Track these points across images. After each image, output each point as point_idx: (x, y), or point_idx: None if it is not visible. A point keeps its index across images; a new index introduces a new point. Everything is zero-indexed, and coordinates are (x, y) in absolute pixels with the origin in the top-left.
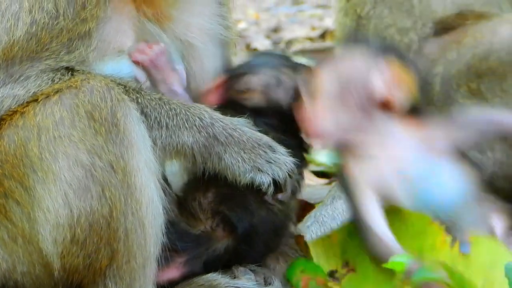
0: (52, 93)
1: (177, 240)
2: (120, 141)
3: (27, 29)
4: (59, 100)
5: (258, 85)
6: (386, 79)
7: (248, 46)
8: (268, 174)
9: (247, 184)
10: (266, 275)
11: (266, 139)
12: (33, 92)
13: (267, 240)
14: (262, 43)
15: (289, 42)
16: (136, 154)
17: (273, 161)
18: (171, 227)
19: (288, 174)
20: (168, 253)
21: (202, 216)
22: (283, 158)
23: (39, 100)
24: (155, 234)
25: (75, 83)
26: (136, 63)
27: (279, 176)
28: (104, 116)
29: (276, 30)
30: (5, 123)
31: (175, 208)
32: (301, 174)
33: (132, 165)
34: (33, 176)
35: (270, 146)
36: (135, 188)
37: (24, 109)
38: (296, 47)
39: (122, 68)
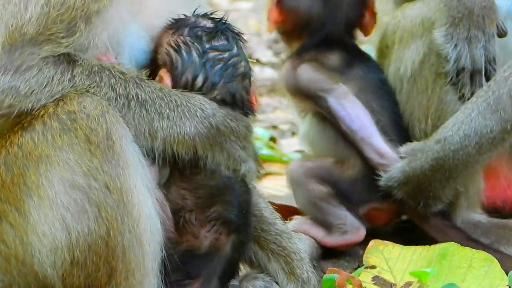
0: (50, 121)
1: (188, 265)
2: (115, 162)
3: (39, 10)
4: (58, 126)
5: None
6: None
7: (249, 57)
8: (254, 160)
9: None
10: (266, 281)
11: (251, 126)
12: (36, 93)
13: (250, 212)
14: (264, 54)
15: None
16: (132, 173)
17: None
18: (178, 255)
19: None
20: (183, 282)
21: (203, 231)
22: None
23: (36, 127)
24: (153, 250)
25: (72, 108)
26: None
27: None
28: (99, 139)
29: (277, 41)
30: (3, 150)
31: (174, 231)
32: None
33: (129, 185)
34: (28, 201)
35: (251, 129)
36: (132, 206)
37: (22, 139)
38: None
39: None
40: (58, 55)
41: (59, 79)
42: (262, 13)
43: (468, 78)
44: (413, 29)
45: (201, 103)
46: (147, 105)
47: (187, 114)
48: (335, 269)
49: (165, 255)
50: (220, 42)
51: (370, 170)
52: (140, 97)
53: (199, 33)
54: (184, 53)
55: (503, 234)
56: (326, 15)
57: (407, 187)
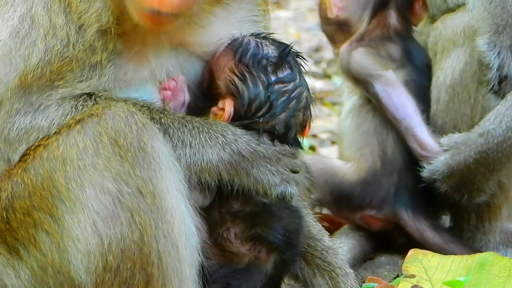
0: (74, 123)
1: (229, 280)
2: (147, 165)
3: (41, 56)
4: (81, 129)
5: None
6: None
7: None
8: (294, 184)
9: (273, 194)
10: None
11: (287, 149)
12: (58, 123)
13: (299, 234)
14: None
15: (330, 62)
16: (165, 177)
17: (295, 169)
18: (219, 269)
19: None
20: None
21: (243, 249)
22: (301, 163)
23: (61, 131)
24: (190, 255)
25: (97, 111)
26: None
27: (302, 182)
28: (129, 141)
29: (317, 49)
30: (30, 156)
31: (215, 250)
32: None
33: (161, 188)
34: (61, 206)
35: (292, 153)
36: (165, 210)
37: (47, 141)
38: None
39: (143, 97)
40: (77, 95)
41: (83, 105)
42: (301, 22)
43: (511, 86)
44: (454, 38)
45: (223, 129)
46: (170, 131)
47: (209, 141)
48: (375, 278)
49: (204, 262)
50: (284, 73)
51: (373, 177)
52: (163, 123)
53: (264, 62)
54: (250, 84)
55: None
56: None
57: (451, 180)
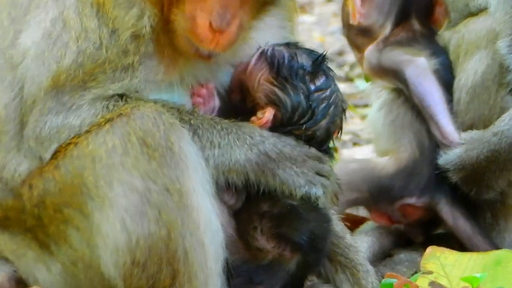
0: (104, 122)
1: (252, 275)
2: (175, 164)
3: (74, 58)
4: (110, 128)
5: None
6: None
7: None
8: (320, 186)
9: (298, 195)
10: None
11: (314, 151)
12: (89, 122)
13: (326, 238)
14: None
15: (353, 65)
16: (191, 176)
17: (322, 173)
18: (245, 265)
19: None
20: (246, 286)
21: (270, 247)
22: (328, 167)
23: (91, 130)
24: (215, 252)
25: (125, 111)
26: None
27: (329, 185)
28: (157, 141)
29: (340, 53)
30: (60, 153)
31: (240, 245)
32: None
33: (188, 187)
34: (90, 203)
35: (318, 157)
36: (191, 209)
37: (78, 139)
38: (360, 70)
39: (173, 99)
40: (109, 95)
41: (114, 105)
42: (325, 26)
43: None
44: (477, 41)
45: (250, 131)
46: (199, 132)
47: (237, 142)
48: (394, 274)
49: (229, 257)
50: (321, 81)
51: (409, 168)
52: (192, 124)
53: (301, 72)
54: (292, 94)
55: None
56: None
57: (462, 173)
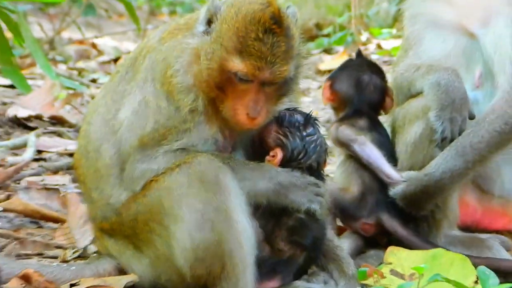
0: (175, 167)
1: (275, 266)
2: (221, 193)
3: (152, 126)
4: (179, 171)
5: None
6: None
7: None
8: (317, 203)
9: (303, 210)
10: (325, 277)
11: (312, 179)
12: (164, 167)
13: (322, 239)
14: None
15: None
16: (233, 200)
17: (318, 194)
18: (269, 260)
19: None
20: (270, 274)
21: (287, 248)
22: (323, 189)
23: (165, 172)
24: (249, 250)
25: (188, 159)
26: None
27: (323, 202)
28: (210, 178)
29: (328, 121)
30: (146, 187)
31: (266, 246)
32: None
33: (231, 207)
34: (167, 219)
35: (315, 183)
36: (234, 222)
37: (157, 178)
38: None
39: (217, 150)
40: (175, 149)
41: (179, 155)
42: (318, 104)
43: (448, 143)
44: (416, 113)
45: (269, 168)
46: (236, 171)
47: (260, 176)
48: (366, 264)
49: (259, 254)
50: (310, 130)
51: (358, 198)
52: (231, 165)
53: (297, 125)
54: (291, 139)
55: (472, 243)
56: (358, 97)
57: (405, 200)
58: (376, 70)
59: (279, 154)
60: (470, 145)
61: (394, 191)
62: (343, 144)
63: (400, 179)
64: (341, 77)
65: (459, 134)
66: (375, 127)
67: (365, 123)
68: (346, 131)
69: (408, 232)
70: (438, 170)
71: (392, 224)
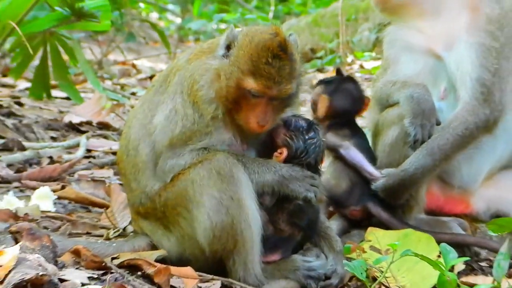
0: (197, 162)
1: (277, 242)
2: (235, 184)
3: (180, 130)
4: (201, 166)
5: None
6: None
7: None
8: (312, 192)
9: (301, 198)
10: (317, 252)
11: (309, 173)
12: (189, 163)
13: (316, 221)
14: None
15: None
16: (244, 189)
17: (314, 185)
18: (272, 237)
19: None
20: (273, 249)
21: (287, 228)
22: (318, 181)
23: (190, 166)
24: (256, 230)
25: (208, 157)
26: None
27: (317, 192)
28: (226, 172)
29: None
30: (175, 179)
31: (270, 227)
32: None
33: (243, 196)
34: (190, 204)
35: (312, 176)
36: (244, 207)
37: (184, 171)
38: None
39: (231, 148)
40: (198, 148)
41: (202, 153)
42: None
43: (419, 144)
44: (393, 120)
45: (273, 164)
46: (247, 166)
47: (266, 170)
48: (351, 241)
49: (264, 233)
50: (312, 134)
51: (348, 190)
52: (243, 161)
53: (301, 129)
54: (296, 141)
55: (436, 224)
56: (347, 108)
57: (385, 192)
58: (356, 83)
59: (284, 152)
60: (437, 147)
61: (375, 185)
62: (331, 149)
63: (379, 176)
64: (337, 94)
65: (429, 137)
66: (356, 133)
67: (347, 131)
68: (332, 138)
69: (388, 215)
70: (412, 166)
71: (377, 209)
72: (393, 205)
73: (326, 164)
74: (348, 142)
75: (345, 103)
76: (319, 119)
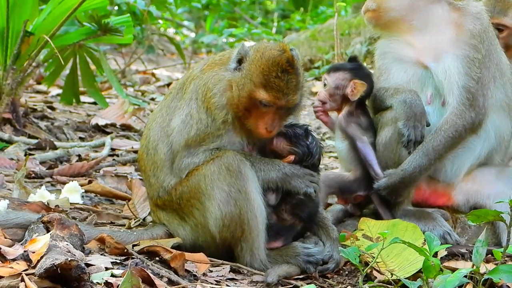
0: (210, 160)
1: (280, 230)
2: (242, 178)
3: (195, 132)
4: (213, 163)
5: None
6: None
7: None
8: (312, 188)
9: (302, 193)
10: (315, 239)
11: (309, 171)
12: (203, 161)
13: (316, 213)
14: None
15: (324, 134)
16: (251, 184)
17: (313, 181)
18: (276, 226)
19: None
20: (276, 236)
21: (289, 218)
22: (317, 178)
23: (203, 163)
24: (261, 219)
25: (219, 155)
26: None
27: (316, 188)
28: (234, 168)
29: (318, 127)
30: (189, 174)
31: (274, 217)
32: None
33: (249, 189)
34: (203, 197)
35: (311, 173)
36: (251, 199)
37: (197, 168)
38: (328, 134)
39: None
40: (211, 148)
41: (212, 153)
42: (311, 116)
43: (412, 144)
44: (387, 122)
45: (277, 163)
46: (254, 164)
47: (271, 168)
48: (345, 230)
49: (268, 223)
50: (310, 139)
51: (360, 179)
52: (250, 160)
53: (301, 137)
54: (300, 147)
55: (422, 215)
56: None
57: (387, 190)
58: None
59: (292, 158)
60: (432, 148)
61: (378, 185)
62: (350, 137)
63: (382, 176)
64: (368, 79)
65: (420, 138)
66: (370, 130)
67: (365, 121)
68: (352, 126)
69: (385, 209)
70: (411, 166)
71: (377, 199)
72: (391, 201)
73: (344, 151)
74: (366, 138)
75: (372, 86)
76: (346, 103)
